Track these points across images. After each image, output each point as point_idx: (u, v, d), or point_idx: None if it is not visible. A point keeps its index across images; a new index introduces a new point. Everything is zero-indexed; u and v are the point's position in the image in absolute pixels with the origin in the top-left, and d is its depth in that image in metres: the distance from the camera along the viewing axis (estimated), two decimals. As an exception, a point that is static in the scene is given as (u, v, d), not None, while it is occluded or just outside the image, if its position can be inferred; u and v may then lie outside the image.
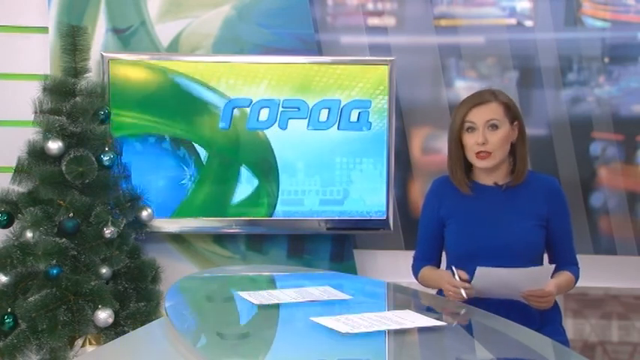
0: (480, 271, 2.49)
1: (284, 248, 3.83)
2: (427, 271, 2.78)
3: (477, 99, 2.67)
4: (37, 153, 3.32)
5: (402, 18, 3.87)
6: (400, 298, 2.75)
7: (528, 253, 2.58)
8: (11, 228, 3.34)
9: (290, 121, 3.67)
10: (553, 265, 2.61)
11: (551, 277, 2.71)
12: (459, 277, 2.57)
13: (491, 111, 2.65)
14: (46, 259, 3.17)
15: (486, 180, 2.71)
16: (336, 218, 3.72)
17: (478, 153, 2.63)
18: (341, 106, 3.68)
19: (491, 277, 2.49)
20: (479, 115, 2.64)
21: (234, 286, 2.97)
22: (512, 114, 2.69)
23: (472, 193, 2.70)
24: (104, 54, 3.62)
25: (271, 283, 3.08)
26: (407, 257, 2.84)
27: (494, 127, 2.64)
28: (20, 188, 3.36)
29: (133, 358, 2.44)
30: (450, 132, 2.70)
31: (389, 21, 3.87)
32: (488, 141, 2.62)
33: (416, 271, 2.82)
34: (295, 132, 3.67)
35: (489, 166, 2.65)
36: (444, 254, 2.82)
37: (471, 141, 2.64)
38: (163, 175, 3.64)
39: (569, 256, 2.73)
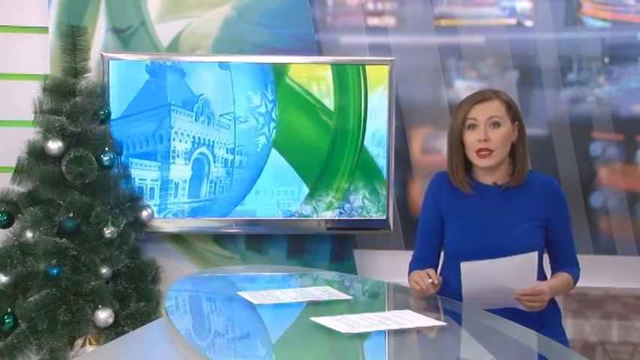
0: (465, 266, 2.49)
1: (284, 248, 3.83)
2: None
3: (479, 96, 2.66)
4: (37, 153, 3.32)
5: (402, 18, 3.87)
6: (400, 298, 2.75)
7: (526, 254, 2.57)
8: (11, 228, 3.34)
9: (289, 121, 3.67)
10: (536, 253, 2.57)
11: (550, 277, 2.72)
12: (429, 275, 2.58)
13: (493, 108, 2.64)
14: (46, 259, 3.17)
15: (486, 179, 2.70)
16: (336, 218, 3.72)
17: (479, 151, 2.62)
18: (341, 105, 3.68)
19: (477, 272, 2.48)
20: (481, 112, 2.63)
21: (234, 286, 2.97)
22: (514, 113, 2.68)
23: (472, 192, 2.69)
24: (104, 54, 3.62)
25: (271, 283, 3.08)
26: (407, 257, 2.83)
27: (496, 124, 2.63)
28: (20, 188, 3.36)
29: (133, 358, 2.44)
30: (450, 131, 2.69)
31: (389, 21, 3.87)
32: (490, 138, 2.61)
33: (409, 271, 2.79)
34: (295, 132, 3.68)
35: (490, 165, 2.64)
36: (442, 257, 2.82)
37: (472, 138, 2.63)
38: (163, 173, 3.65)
39: (568, 256, 2.72)
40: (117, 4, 3.71)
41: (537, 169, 3.00)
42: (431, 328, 2.22)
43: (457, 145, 2.66)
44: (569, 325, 3.78)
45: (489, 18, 3.87)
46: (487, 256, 2.54)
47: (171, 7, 3.76)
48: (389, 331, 2.12)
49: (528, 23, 3.87)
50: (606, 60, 3.85)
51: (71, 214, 3.26)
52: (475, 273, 2.49)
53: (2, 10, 3.71)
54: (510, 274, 2.51)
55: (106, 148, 3.35)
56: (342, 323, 2.12)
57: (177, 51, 3.74)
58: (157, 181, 3.62)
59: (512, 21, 3.87)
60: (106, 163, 3.35)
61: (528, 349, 2.19)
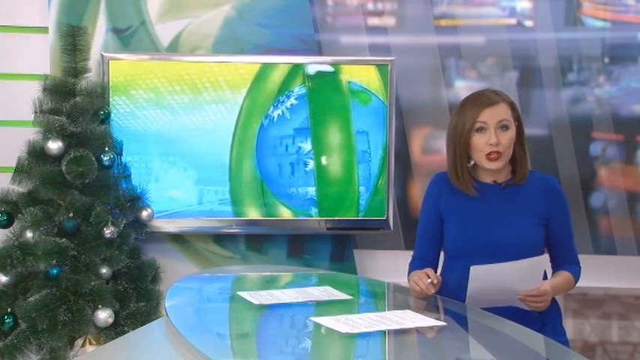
0: (475, 270, 2.49)
1: (284, 248, 3.83)
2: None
3: (488, 100, 2.65)
4: (37, 153, 3.32)
5: (402, 18, 3.87)
6: (400, 298, 2.75)
7: (527, 253, 2.57)
8: (11, 228, 3.34)
9: (289, 121, 3.67)
10: (546, 256, 2.59)
11: (550, 276, 2.72)
12: (428, 275, 2.59)
13: (502, 112, 2.64)
14: (46, 259, 3.17)
15: (486, 178, 2.70)
16: (336, 218, 3.72)
17: (489, 154, 2.62)
18: (340, 105, 3.68)
19: (485, 275, 2.49)
20: (491, 116, 2.63)
21: (234, 286, 2.98)
22: (516, 115, 2.69)
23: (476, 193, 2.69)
24: (104, 54, 3.62)
25: (271, 283, 3.09)
26: (407, 257, 2.83)
27: (505, 127, 2.64)
28: (20, 188, 3.36)
29: (133, 358, 2.44)
30: (454, 133, 2.67)
31: (389, 21, 3.87)
32: (500, 141, 2.62)
33: (409, 271, 2.80)
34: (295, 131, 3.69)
35: (499, 167, 2.65)
36: (441, 257, 2.81)
37: (481, 141, 2.63)
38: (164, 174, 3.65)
39: (569, 255, 2.72)
40: (117, 4, 3.72)
41: (537, 169, 3.00)
42: (431, 328, 2.22)
43: (464, 148, 2.66)
44: (569, 325, 3.78)
45: (489, 18, 3.87)
46: (488, 255, 2.55)
47: (171, 7, 3.76)
48: (389, 331, 2.12)
49: (528, 23, 3.87)
50: (606, 60, 3.85)
51: (71, 214, 3.25)
52: (484, 276, 2.49)
53: (2, 10, 3.71)
54: (518, 277, 2.51)
55: (106, 148, 3.35)
56: (342, 323, 2.12)
57: (177, 51, 3.74)
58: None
59: (512, 21, 3.87)
60: (106, 163, 3.35)
61: (528, 349, 2.19)
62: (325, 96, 3.67)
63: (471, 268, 2.50)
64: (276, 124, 3.66)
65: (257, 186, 3.68)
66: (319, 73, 3.66)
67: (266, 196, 3.68)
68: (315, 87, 3.66)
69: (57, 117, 3.31)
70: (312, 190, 3.69)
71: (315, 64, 3.66)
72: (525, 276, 2.52)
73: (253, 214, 3.68)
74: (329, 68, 3.67)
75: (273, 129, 3.66)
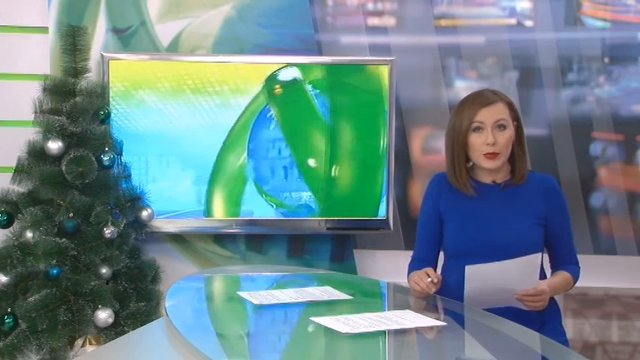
0: (469, 269, 2.49)
1: (284, 248, 3.83)
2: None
3: (485, 99, 2.65)
4: (37, 153, 3.32)
5: (402, 18, 3.88)
6: (400, 298, 2.75)
7: (526, 253, 2.56)
8: (11, 228, 3.34)
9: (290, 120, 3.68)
10: (540, 254, 2.58)
11: (550, 276, 2.72)
12: (428, 274, 2.59)
13: (499, 111, 2.64)
14: (46, 259, 3.18)
15: (485, 178, 2.71)
16: (336, 218, 3.72)
17: (486, 154, 2.63)
18: (340, 105, 3.68)
19: (481, 275, 2.49)
20: (488, 116, 2.63)
21: (234, 286, 2.98)
22: (514, 114, 2.69)
23: (474, 193, 2.69)
24: (104, 54, 3.62)
25: (271, 283, 3.09)
26: (407, 257, 2.83)
27: (502, 127, 2.64)
28: (20, 188, 3.36)
29: (133, 358, 2.44)
30: (452, 133, 2.68)
31: (389, 21, 3.87)
32: (497, 141, 2.62)
33: (408, 272, 2.80)
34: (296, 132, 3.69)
35: (497, 166, 2.65)
36: (441, 257, 2.81)
37: (478, 141, 2.63)
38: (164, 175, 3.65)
39: (568, 255, 2.72)
40: (117, 4, 3.72)
41: (537, 169, 3.01)
42: (431, 328, 2.22)
43: (462, 148, 2.66)
44: (569, 325, 3.78)
45: (489, 18, 3.87)
46: (487, 254, 2.54)
47: (171, 7, 3.76)
48: (389, 331, 2.12)
49: (528, 23, 3.87)
50: (606, 60, 3.85)
51: (71, 214, 3.26)
52: (479, 276, 2.49)
53: (2, 10, 3.71)
54: (514, 275, 2.51)
55: (106, 148, 3.35)
56: (342, 323, 2.12)
57: (177, 51, 3.74)
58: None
59: (512, 21, 3.87)
60: (106, 163, 3.35)
61: (528, 349, 2.19)
62: (289, 99, 3.67)
63: (466, 267, 2.50)
64: (274, 125, 3.67)
65: (253, 186, 3.68)
66: (284, 80, 3.66)
67: (262, 196, 3.69)
68: (281, 92, 3.66)
69: (57, 117, 3.31)
70: (308, 192, 3.69)
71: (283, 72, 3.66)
72: (521, 274, 2.52)
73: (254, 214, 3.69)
74: (295, 73, 3.66)
75: (271, 129, 3.67)
